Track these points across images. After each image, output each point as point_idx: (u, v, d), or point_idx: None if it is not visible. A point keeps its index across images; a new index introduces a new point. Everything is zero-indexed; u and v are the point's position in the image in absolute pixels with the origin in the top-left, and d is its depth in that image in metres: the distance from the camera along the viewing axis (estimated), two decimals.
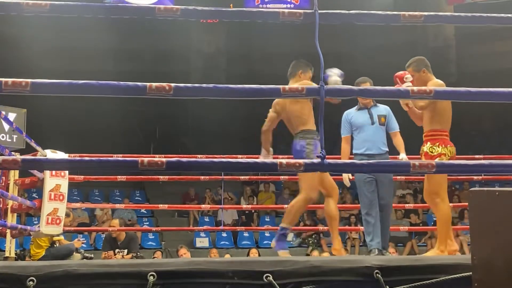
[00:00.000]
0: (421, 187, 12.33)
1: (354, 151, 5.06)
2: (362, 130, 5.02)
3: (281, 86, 2.62)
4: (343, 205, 11.43)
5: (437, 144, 4.11)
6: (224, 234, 10.81)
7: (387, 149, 5.08)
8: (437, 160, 4.00)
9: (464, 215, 10.74)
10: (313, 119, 4.32)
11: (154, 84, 2.49)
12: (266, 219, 11.49)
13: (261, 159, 4.21)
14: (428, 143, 4.14)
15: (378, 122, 5.06)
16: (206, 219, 11.40)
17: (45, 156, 5.14)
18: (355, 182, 5.21)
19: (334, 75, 4.17)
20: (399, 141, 5.15)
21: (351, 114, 5.11)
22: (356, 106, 5.16)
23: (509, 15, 2.79)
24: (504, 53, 14.71)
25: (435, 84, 4.11)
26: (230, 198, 11.66)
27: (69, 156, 5.55)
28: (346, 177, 5.00)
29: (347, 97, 2.65)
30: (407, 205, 9.39)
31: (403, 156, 5.06)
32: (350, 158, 5.04)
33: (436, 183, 4.15)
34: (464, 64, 15.38)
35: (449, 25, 14.53)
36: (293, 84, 4.19)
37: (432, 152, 4.09)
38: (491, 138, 14.36)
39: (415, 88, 2.69)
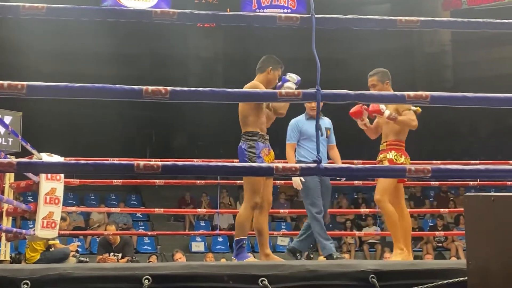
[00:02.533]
0: (416, 191, 12.38)
1: (300, 158, 5.03)
2: (310, 140, 5.01)
3: (277, 90, 2.62)
4: (339, 209, 11.44)
5: (400, 154, 4.28)
6: (220, 239, 10.80)
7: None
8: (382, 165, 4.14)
9: (459, 220, 10.76)
10: (260, 121, 4.18)
11: (150, 87, 2.49)
12: None
13: None
14: (393, 151, 4.29)
15: (325, 134, 5.14)
16: (202, 224, 11.39)
17: (41, 159, 5.13)
18: (324, 186, 5.08)
19: (291, 82, 4.21)
20: (336, 154, 5.25)
21: (302, 123, 5.11)
22: (304, 115, 5.18)
23: (506, 21, 2.80)
24: (500, 59, 14.76)
25: None
26: (229, 204, 11.65)
27: (64, 160, 5.54)
28: (297, 180, 4.88)
29: (343, 102, 2.66)
30: None
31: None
32: None
33: (381, 187, 4.24)
34: (460, 70, 15.43)
35: (445, 31, 14.57)
36: (259, 79, 4.18)
37: (396, 160, 4.24)
38: (487, 144, 14.39)
39: (411, 93, 2.69)
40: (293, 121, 5.16)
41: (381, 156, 4.38)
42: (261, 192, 4.07)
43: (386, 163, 4.26)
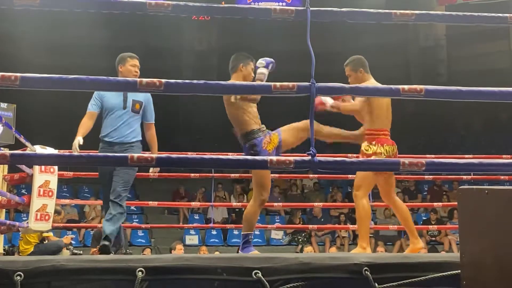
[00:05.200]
0: (410, 185, 12.42)
1: (100, 135, 4.54)
2: (111, 113, 4.48)
3: (272, 83, 2.61)
4: (333, 203, 11.46)
5: (374, 143, 4.12)
6: (214, 232, 10.82)
7: (139, 139, 4.55)
8: (373, 157, 4.04)
9: (453, 214, 10.80)
10: (252, 115, 4.13)
11: (144, 79, 2.48)
12: None
13: None
14: (365, 142, 4.17)
15: (131, 108, 4.51)
16: (196, 217, 11.40)
17: (35, 151, 5.11)
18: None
19: (261, 67, 4.05)
20: (152, 135, 4.66)
21: (104, 94, 4.53)
22: None
23: (500, 15, 2.80)
24: (494, 54, 14.81)
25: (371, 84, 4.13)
26: (223, 197, 11.66)
27: (58, 152, 5.53)
28: (76, 143, 4.35)
29: (338, 95, 2.66)
30: None
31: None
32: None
33: (359, 179, 4.22)
34: (455, 64, 15.46)
35: (440, 25, 14.60)
36: (234, 79, 4.13)
37: (367, 150, 4.12)
38: (481, 138, 14.43)
39: (406, 87, 2.69)
40: (96, 93, 4.58)
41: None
42: (269, 188, 4.12)
43: (360, 157, 4.18)
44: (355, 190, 4.28)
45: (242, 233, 4.16)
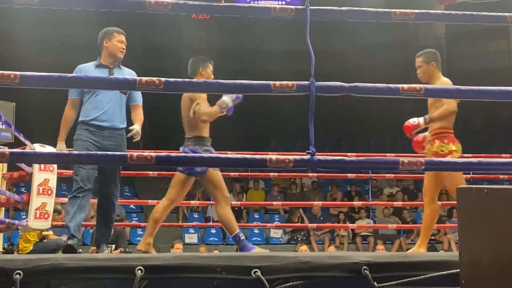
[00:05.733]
0: (409, 184, 12.41)
1: (81, 119, 4.16)
2: (96, 94, 4.05)
3: (271, 82, 2.61)
4: (332, 202, 11.47)
5: (446, 141, 4.03)
6: (213, 231, 10.82)
7: (125, 126, 4.31)
8: (449, 157, 3.90)
9: (452, 213, 10.80)
10: (208, 125, 4.18)
11: (144, 78, 2.48)
12: (255, 216, 11.50)
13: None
14: (437, 141, 4.06)
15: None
16: (195, 215, 11.40)
17: (34, 150, 5.11)
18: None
19: (228, 98, 4.03)
20: (138, 116, 4.35)
21: (87, 71, 4.05)
22: (95, 61, 4.21)
23: (499, 14, 2.80)
24: (494, 53, 14.81)
25: (444, 83, 4.05)
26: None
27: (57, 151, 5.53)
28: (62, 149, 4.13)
29: (338, 94, 2.65)
30: (395, 203, 9.43)
31: (136, 127, 4.30)
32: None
33: (424, 186, 4.14)
34: (454, 63, 15.46)
35: (440, 24, 14.60)
36: None
37: (442, 150, 4.01)
38: (480, 137, 14.44)
39: (405, 86, 2.69)
40: (77, 68, 4.16)
41: (426, 148, 4.16)
42: (225, 185, 4.23)
43: (431, 157, 4.00)
44: (423, 196, 4.22)
45: (231, 236, 4.20)
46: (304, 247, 9.51)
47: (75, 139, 4.19)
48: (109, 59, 4.18)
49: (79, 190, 4.11)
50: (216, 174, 4.19)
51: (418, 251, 4.18)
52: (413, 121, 4.14)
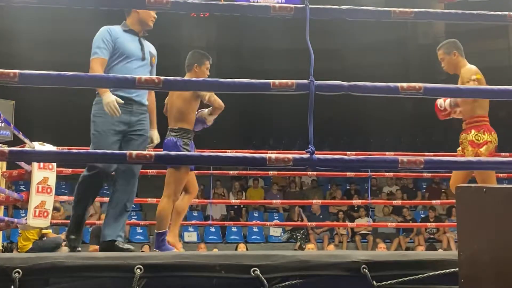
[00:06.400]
0: (409, 183, 12.42)
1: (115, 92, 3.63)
2: (128, 61, 3.69)
3: (270, 81, 2.61)
4: (332, 201, 11.48)
5: (482, 131, 3.94)
6: (213, 229, 10.82)
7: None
8: (483, 148, 3.82)
9: (451, 212, 10.82)
10: (194, 118, 4.13)
11: (143, 76, 2.49)
12: (255, 214, 11.51)
13: None
14: (473, 130, 3.95)
15: (150, 61, 3.85)
16: (195, 214, 11.39)
17: (33, 148, 5.10)
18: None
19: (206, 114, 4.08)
20: (153, 102, 3.95)
21: (118, 34, 3.70)
22: (119, 26, 3.78)
23: (499, 13, 2.80)
24: (493, 52, 14.81)
25: (468, 71, 3.97)
26: (222, 194, 11.66)
27: (57, 149, 5.53)
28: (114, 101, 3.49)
29: (337, 93, 2.65)
30: (394, 201, 9.44)
31: (156, 134, 4.00)
32: None
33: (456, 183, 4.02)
34: None
35: (439, 23, 14.59)
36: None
37: (478, 140, 3.91)
38: None
39: (405, 85, 2.69)
40: (105, 28, 3.74)
41: (461, 137, 4.05)
42: (181, 188, 4.14)
43: (467, 146, 3.93)
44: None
45: (156, 231, 4.08)
46: (312, 245, 9.52)
47: (96, 115, 3.71)
48: (138, 26, 3.78)
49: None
50: (176, 172, 4.02)
51: None
52: (439, 104, 4.05)
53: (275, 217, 11.55)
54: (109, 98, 3.44)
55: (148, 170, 7.20)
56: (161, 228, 4.09)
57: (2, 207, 5.92)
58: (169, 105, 4.19)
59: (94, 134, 3.74)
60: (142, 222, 10.08)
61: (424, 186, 12.64)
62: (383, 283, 2.18)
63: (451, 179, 4.14)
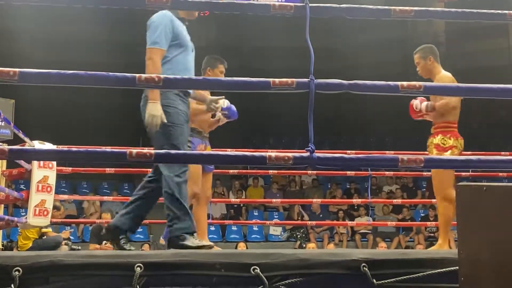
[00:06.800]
0: (408, 182, 12.42)
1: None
2: (187, 53, 3.47)
3: (270, 79, 2.61)
4: (332, 200, 11.47)
5: (449, 136, 4.02)
6: (213, 228, 10.81)
7: None
8: (448, 153, 3.93)
9: None
10: (198, 118, 4.16)
11: (143, 75, 2.48)
12: (255, 213, 11.51)
13: None
14: (440, 135, 4.05)
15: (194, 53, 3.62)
16: None
17: (33, 147, 5.11)
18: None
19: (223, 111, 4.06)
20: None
21: (176, 22, 3.40)
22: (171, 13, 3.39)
23: (499, 11, 2.80)
24: (493, 51, 14.80)
25: (443, 77, 4.03)
26: (222, 193, 11.66)
27: (57, 148, 5.53)
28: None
29: (337, 92, 2.65)
30: (394, 200, 9.44)
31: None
32: None
33: (438, 182, 4.07)
34: (454, 61, 15.44)
35: (439, 22, 14.58)
36: None
37: (444, 144, 4.00)
38: (479, 135, 14.44)
39: (405, 83, 2.69)
40: (165, 13, 3.34)
41: (428, 141, 4.16)
42: (200, 183, 4.12)
43: (432, 149, 4.05)
44: (437, 190, 4.11)
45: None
46: (312, 245, 9.53)
47: (166, 105, 3.32)
48: (185, 15, 3.50)
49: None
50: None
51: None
52: (415, 105, 4.13)
53: (275, 216, 11.55)
54: (159, 111, 3.22)
55: (149, 170, 7.18)
56: None
57: (2, 206, 5.92)
58: None
59: (173, 126, 3.34)
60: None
61: (424, 185, 12.64)
62: (383, 281, 2.19)
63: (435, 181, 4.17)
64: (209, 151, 4.19)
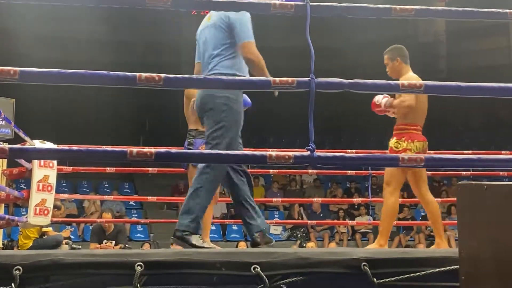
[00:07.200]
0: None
1: (231, 71, 3.40)
2: None
3: (271, 78, 2.61)
4: (332, 199, 11.47)
5: (403, 139, 4.00)
6: (213, 227, 10.82)
7: None
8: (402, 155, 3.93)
9: (451, 210, 10.81)
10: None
11: (143, 74, 2.47)
12: None
13: None
14: (394, 138, 4.04)
15: None
16: None
17: (34, 146, 5.11)
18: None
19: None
20: None
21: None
22: None
23: (500, 10, 2.80)
24: (494, 50, 14.80)
25: (408, 78, 4.00)
26: (222, 193, 11.66)
27: (58, 147, 5.53)
28: None
29: (337, 91, 2.65)
30: None
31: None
32: None
33: (388, 175, 4.09)
34: (454, 60, 15.45)
35: (440, 21, 14.58)
36: None
37: (397, 147, 3.99)
38: (479, 134, 14.45)
39: (406, 82, 2.69)
40: (247, 12, 3.47)
41: (390, 141, 4.15)
42: None
43: (388, 152, 4.08)
44: (385, 186, 4.11)
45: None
46: (312, 244, 9.53)
47: (227, 103, 3.36)
48: None
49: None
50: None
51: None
52: (377, 99, 4.13)
53: (276, 216, 11.55)
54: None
55: (149, 169, 7.20)
56: None
57: (3, 205, 5.93)
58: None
59: (234, 121, 3.40)
60: (142, 220, 10.09)
61: None
62: (383, 280, 2.18)
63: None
64: None
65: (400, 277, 2.20)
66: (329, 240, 10.64)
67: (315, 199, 9.43)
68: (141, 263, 2.10)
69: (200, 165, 3.43)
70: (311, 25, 2.61)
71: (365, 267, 2.19)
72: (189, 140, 4.17)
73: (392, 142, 4.04)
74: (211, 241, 10.71)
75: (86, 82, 2.54)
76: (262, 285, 2.12)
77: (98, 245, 7.41)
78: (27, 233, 6.78)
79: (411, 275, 2.20)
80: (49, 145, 5.44)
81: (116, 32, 13.20)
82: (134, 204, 11.60)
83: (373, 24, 11.86)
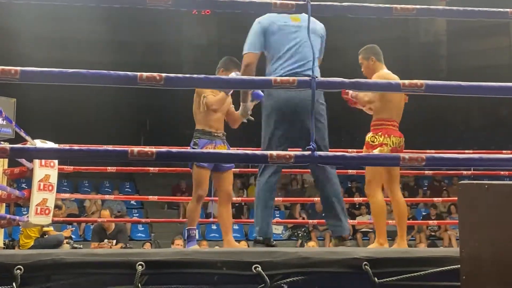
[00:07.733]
0: (409, 180, 12.41)
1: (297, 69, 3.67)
2: (296, 53, 3.82)
3: (272, 78, 2.61)
4: None
5: (380, 133, 3.97)
6: (214, 227, 10.82)
7: None
8: (377, 150, 3.89)
9: (452, 210, 10.82)
10: (208, 118, 4.16)
11: (144, 74, 2.47)
12: None
13: None
14: (371, 132, 4.03)
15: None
16: None
17: (35, 145, 5.11)
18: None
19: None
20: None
21: (277, 19, 3.71)
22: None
23: (501, 9, 2.79)
24: (495, 50, 14.79)
25: (380, 75, 4.01)
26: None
27: (59, 146, 5.53)
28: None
29: (338, 90, 2.66)
30: None
31: None
32: None
33: (369, 174, 4.06)
34: (455, 60, 15.43)
35: (441, 20, 14.57)
36: None
37: (373, 141, 3.96)
38: (480, 134, 14.44)
39: (406, 82, 2.69)
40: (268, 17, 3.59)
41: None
42: (205, 185, 4.20)
43: (364, 148, 4.05)
44: (366, 186, 4.12)
45: (185, 228, 4.30)
46: (313, 243, 9.52)
47: (268, 108, 3.80)
48: None
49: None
50: (198, 170, 4.14)
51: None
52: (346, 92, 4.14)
53: (277, 215, 11.53)
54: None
55: (150, 168, 7.20)
56: (188, 225, 4.29)
57: (4, 204, 5.93)
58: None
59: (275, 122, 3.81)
60: (143, 220, 10.09)
61: (426, 184, 12.63)
62: (384, 280, 2.18)
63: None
64: (220, 149, 4.17)
65: (401, 276, 2.20)
66: (330, 240, 10.63)
67: (315, 199, 9.42)
68: (142, 263, 2.10)
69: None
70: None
71: (366, 266, 2.19)
72: (194, 140, 4.17)
73: (369, 136, 4.04)
74: (211, 241, 10.72)
75: (88, 81, 2.55)
76: (263, 284, 2.12)
77: (98, 245, 7.42)
78: (28, 233, 6.79)
79: (412, 274, 2.20)
80: (50, 144, 5.45)
81: (116, 32, 13.20)
82: (135, 203, 11.60)
83: (374, 23, 11.85)
